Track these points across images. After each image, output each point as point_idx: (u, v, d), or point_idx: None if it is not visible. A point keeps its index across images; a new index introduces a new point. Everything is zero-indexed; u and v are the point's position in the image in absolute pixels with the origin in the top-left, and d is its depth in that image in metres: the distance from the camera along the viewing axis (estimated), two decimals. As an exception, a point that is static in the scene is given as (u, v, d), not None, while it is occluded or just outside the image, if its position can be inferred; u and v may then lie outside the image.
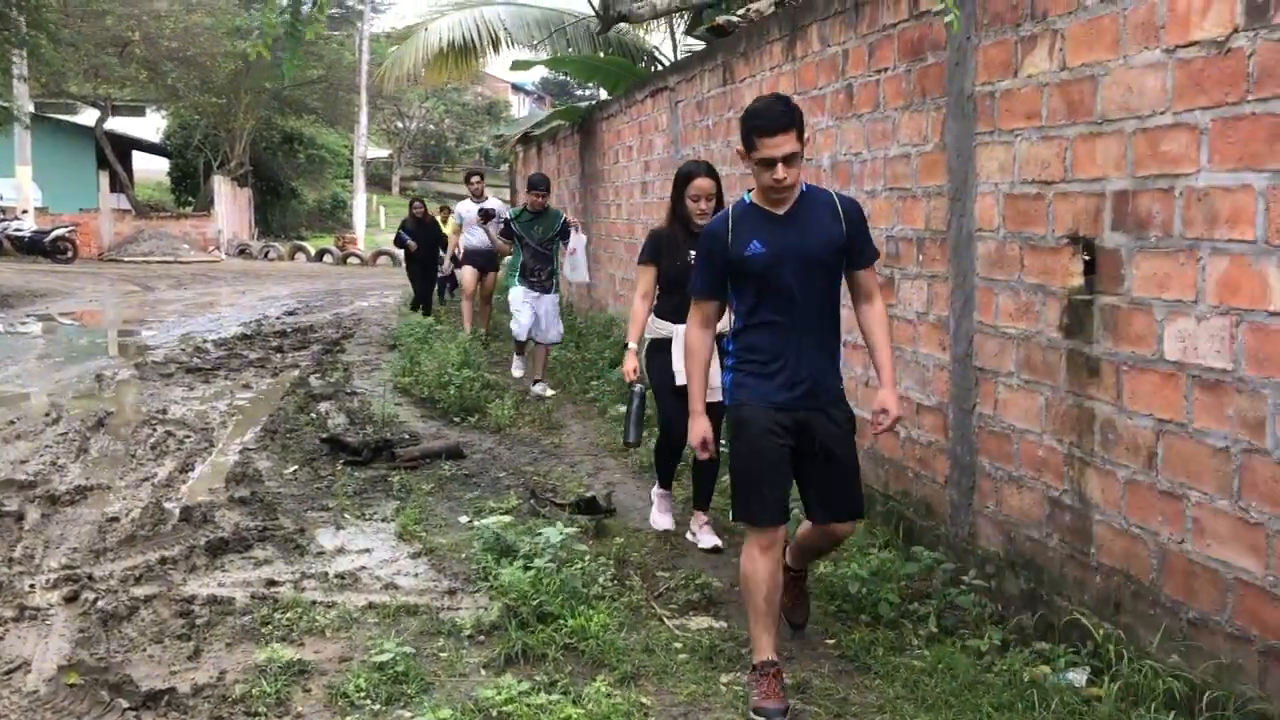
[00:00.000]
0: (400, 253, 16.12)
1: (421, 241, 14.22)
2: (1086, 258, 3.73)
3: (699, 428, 3.78)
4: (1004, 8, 4.12)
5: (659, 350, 5.34)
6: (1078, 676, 3.60)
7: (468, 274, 11.93)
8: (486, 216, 11.11)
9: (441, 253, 13.96)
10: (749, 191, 3.69)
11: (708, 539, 5.30)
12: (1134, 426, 3.52)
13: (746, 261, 3.59)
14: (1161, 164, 3.33)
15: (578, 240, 9.37)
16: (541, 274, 9.38)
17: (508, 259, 10.51)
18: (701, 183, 5.09)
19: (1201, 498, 3.24)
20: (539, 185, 9.46)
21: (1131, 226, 3.48)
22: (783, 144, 3.44)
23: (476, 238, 11.62)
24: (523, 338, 9.67)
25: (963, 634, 4.04)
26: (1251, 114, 2.97)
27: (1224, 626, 3.18)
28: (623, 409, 7.89)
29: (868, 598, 4.31)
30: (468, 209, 11.86)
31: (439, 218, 16.67)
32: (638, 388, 5.47)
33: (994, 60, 4.21)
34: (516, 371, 10.16)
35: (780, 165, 3.46)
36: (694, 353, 3.76)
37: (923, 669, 3.77)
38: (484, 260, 11.86)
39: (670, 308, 5.24)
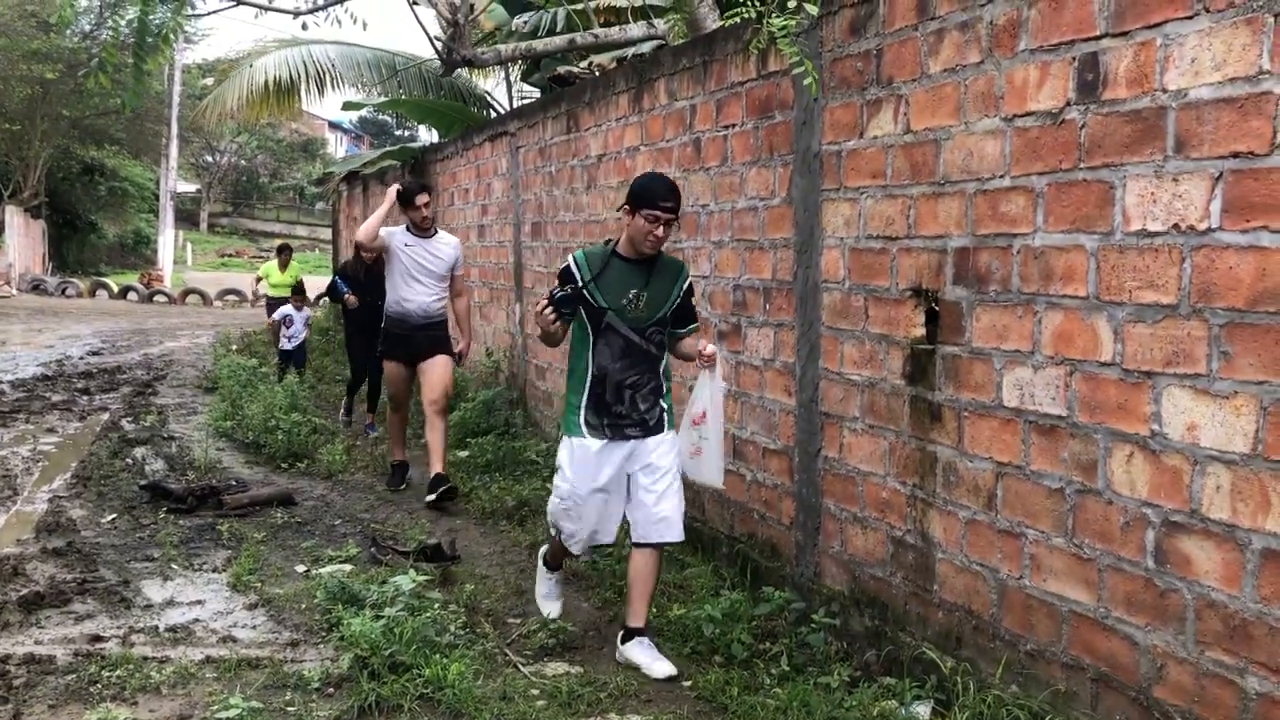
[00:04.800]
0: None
1: (372, 296, 8.65)
2: (932, 307, 3.95)
3: None
4: (850, 72, 4.35)
5: None
6: (924, 710, 3.76)
7: (394, 374, 7.27)
8: (569, 299, 4.28)
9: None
10: None
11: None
12: (974, 469, 3.73)
13: None
14: (1000, 224, 3.58)
15: (716, 387, 4.29)
16: (637, 396, 4.36)
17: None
18: None
19: (1038, 536, 3.46)
20: (663, 195, 4.23)
21: (972, 281, 3.72)
22: None
23: (414, 301, 7.06)
24: (581, 549, 4.57)
25: (813, 672, 4.15)
26: (1083, 180, 3.23)
27: (1060, 656, 3.39)
28: (463, 454, 7.73)
29: (720, 639, 4.39)
30: (404, 242, 7.06)
31: (274, 261, 13.88)
32: None
33: (840, 121, 4.44)
34: (552, 606, 4.81)
35: None
36: None
37: (778, 707, 3.86)
38: (423, 341, 7.10)
39: None
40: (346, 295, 9.34)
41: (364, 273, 9.03)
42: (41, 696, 3.94)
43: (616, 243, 4.42)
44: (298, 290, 12.10)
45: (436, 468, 6.88)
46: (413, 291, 7.05)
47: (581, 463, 4.37)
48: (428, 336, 7.11)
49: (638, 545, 4.39)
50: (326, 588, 4.85)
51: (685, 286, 4.45)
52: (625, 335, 4.34)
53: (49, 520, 6.29)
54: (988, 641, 3.68)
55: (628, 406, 4.36)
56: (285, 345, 11.79)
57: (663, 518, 4.33)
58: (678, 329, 4.49)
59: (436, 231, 7.27)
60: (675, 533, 4.36)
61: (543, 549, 4.96)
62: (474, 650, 4.39)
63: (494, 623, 4.78)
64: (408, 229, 7.12)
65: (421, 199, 7.07)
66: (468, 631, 4.58)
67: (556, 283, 4.32)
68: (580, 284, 4.30)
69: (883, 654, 4.14)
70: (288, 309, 11.88)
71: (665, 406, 4.45)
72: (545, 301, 4.23)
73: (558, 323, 4.24)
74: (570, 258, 4.43)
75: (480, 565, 5.67)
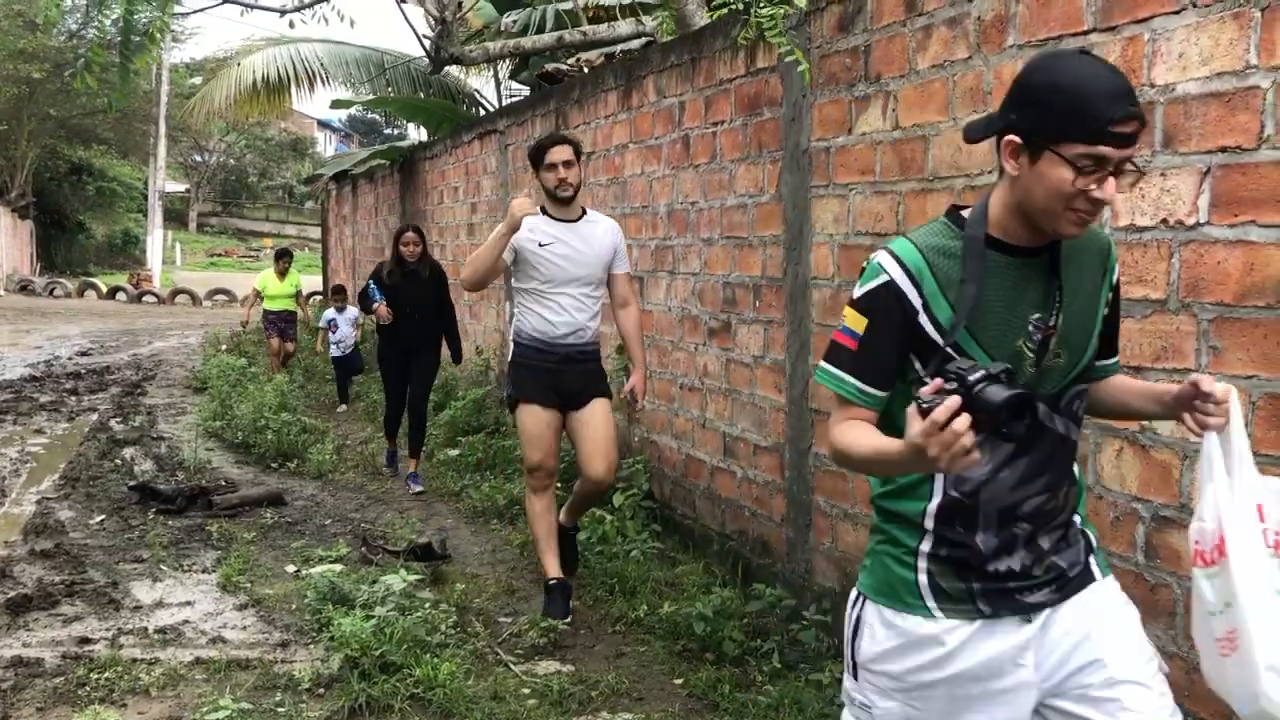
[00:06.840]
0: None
1: (411, 306, 7.41)
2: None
3: None
4: (839, 69, 4.35)
5: None
6: (915, 705, 3.75)
7: (536, 425, 4.83)
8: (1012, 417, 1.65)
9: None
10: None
11: None
12: (965, 465, 3.72)
13: None
14: (989, 219, 3.57)
15: (1240, 476, 1.95)
16: (1043, 531, 1.95)
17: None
18: None
19: (1029, 531, 3.45)
20: (1120, 104, 1.68)
21: (961, 277, 3.71)
22: None
23: (561, 318, 4.81)
24: None
25: (804, 669, 4.15)
26: (1072, 176, 3.23)
27: (1050, 652, 3.38)
28: (453, 453, 7.70)
29: (712, 636, 4.38)
30: (539, 241, 4.80)
31: (269, 270, 11.95)
32: None
33: (829, 118, 4.43)
34: None
35: None
36: None
37: (769, 705, 3.86)
38: (575, 378, 4.88)
39: None
40: (377, 305, 7.38)
41: (402, 280, 7.45)
42: (29, 699, 3.92)
43: (983, 218, 1.92)
44: (338, 291, 11.29)
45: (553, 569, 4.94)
46: (558, 305, 4.81)
47: (917, 676, 1.96)
48: (581, 372, 4.89)
49: None
50: (317, 588, 4.83)
51: (1115, 279, 2.07)
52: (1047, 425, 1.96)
53: (37, 522, 6.26)
54: (979, 637, 3.67)
55: (1026, 553, 1.96)
56: (335, 353, 10.62)
57: None
58: (1097, 363, 2.10)
59: (584, 211, 4.97)
60: None
61: None
62: (465, 650, 4.38)
63: (485, 622, 4.77)
64: (543, 210, 4.88)
65: (559, 153, 4.79)
66: (459, 631, 4.57)
67: (848, 315, 2.00)
68: (942, 337, 1.86)
69: (874, 650, 4.13)
70: (331, 314, 10.65)
71: (1090, 534, 2.09)
72: (947, 412, 1.59)
73: (973, 455, 1.62)
74: (882, 259, 1.95)
75: (471, 564, 5.66)
